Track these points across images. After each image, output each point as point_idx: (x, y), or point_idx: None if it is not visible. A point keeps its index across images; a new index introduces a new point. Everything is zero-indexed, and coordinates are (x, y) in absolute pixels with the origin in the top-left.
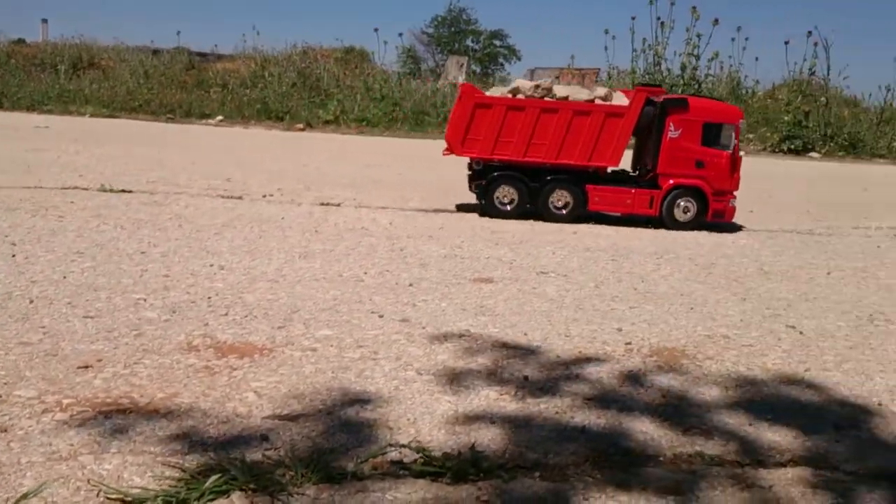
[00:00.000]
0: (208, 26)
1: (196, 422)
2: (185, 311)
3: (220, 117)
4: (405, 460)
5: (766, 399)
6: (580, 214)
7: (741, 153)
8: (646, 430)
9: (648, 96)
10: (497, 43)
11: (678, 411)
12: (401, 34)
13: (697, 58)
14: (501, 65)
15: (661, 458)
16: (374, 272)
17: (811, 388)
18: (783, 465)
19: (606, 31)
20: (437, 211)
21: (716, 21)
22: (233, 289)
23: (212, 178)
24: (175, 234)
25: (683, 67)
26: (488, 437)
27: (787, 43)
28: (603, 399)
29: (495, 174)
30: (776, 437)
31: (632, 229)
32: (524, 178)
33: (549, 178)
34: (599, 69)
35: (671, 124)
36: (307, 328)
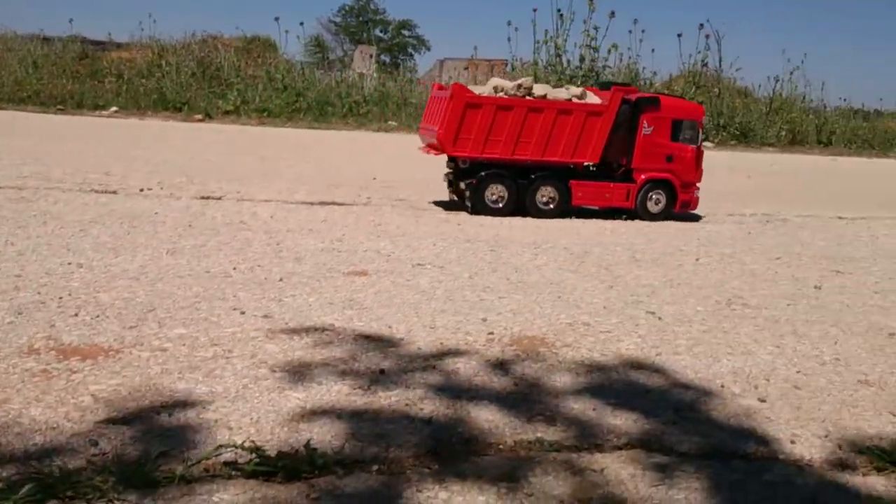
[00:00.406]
0: (103, 14)
1: (22, 429)
2: (33, 312)
3: (114, 108)
4: (239, 461)
5: (613, 384)
6: (564, 210)
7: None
8: (492, 418)
9: (623, 96)
10: (406, 33)
11: (527, 399)
12: (302, 23)
13: (596, 49)
14: (411, 55)
15: (501, 447)
16: (244, 267)
17: (659, 372)
18: (619, 448)
19: (509, 23)
20: (322, 204)
21: (612, 13)
22: (88, 288)
23: (90, 172)
24: (37, 232)
25: (582, 59)
26: (331, 433)
27: (679, 35)
28: (455, 389)
29: (484, 173)
30: (617, 421)
31: (515, 220)
32: (513, 176)
33: (534, 175)
34: (507, 60)
35: (645, 122)
36: (160, 327)
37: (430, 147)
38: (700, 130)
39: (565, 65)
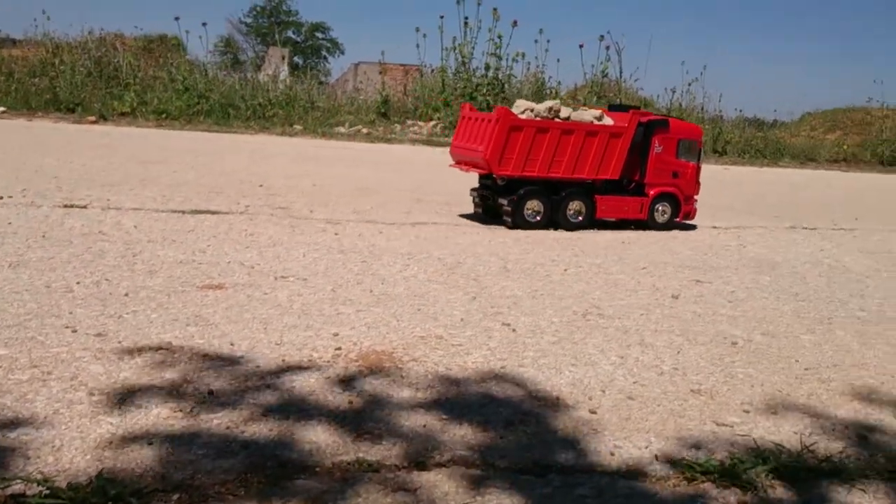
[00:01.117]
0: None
1: None
2: None
3: (1, 109)
4: (28, 493)
5: (450, 399)
6: (591, 222)
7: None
8: (317, 439)
9: (639, 119)
10: (319, 35)
11: (359, 417)
12: (205, 24)
13: (500, 58)
14: (325, 58)
15: (318, 469)
16: (89, 281)
17: (500, 384)
18: (441, 465)
19: (417, 30)
20: (195, 212)
21: (514, 23)
22: None
23: None
24: None
25: (487, 67)
26: (138, 461)
27: (581, 46)
28: (286, 409)
29: (523, 190)
30: (445, 437)
31: (394, 228)
32: (547, 193)
33: (564, 192)
34: (420, 66)
35: (656, 142)
36: None
37: (472, 165)
38: (700, 149)
39: (472, 72)
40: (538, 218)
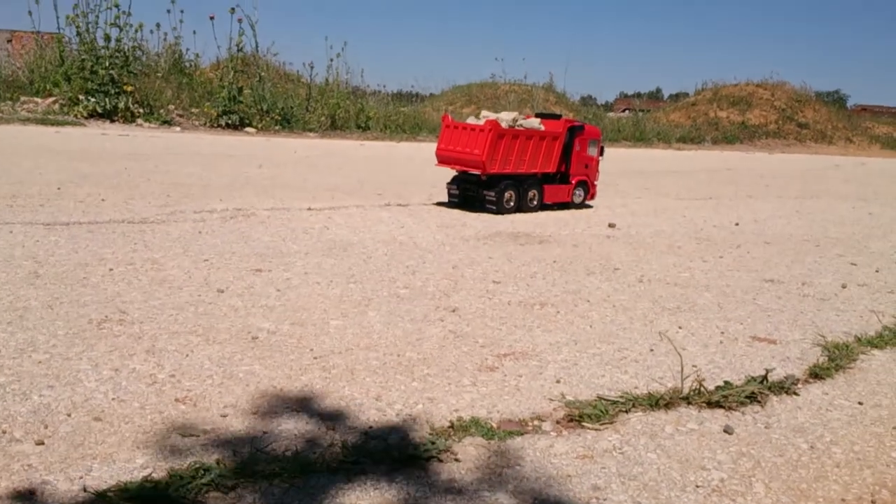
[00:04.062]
0: None
1: None
2: None
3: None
4: None
5: None
6: (541, 206)
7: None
8: None
9: (569, 125)
10: None
11: None
12: None
13: (121, 28)
14: None
15: None
16: None
17: None
18: None
19: None
20: None
21: None
22: None
23: None
24: None
25: (107, 39)
26: None
27: (212, 18)
28: None
29: (502, 184)
30: None
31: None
32: (516, 185)
33: (525, 183)
34: (37, 35)
35: (576, 142)
36: None
37: (463, 165)
38: (601, 146)
39: (102, 43)
40: (511, 204)
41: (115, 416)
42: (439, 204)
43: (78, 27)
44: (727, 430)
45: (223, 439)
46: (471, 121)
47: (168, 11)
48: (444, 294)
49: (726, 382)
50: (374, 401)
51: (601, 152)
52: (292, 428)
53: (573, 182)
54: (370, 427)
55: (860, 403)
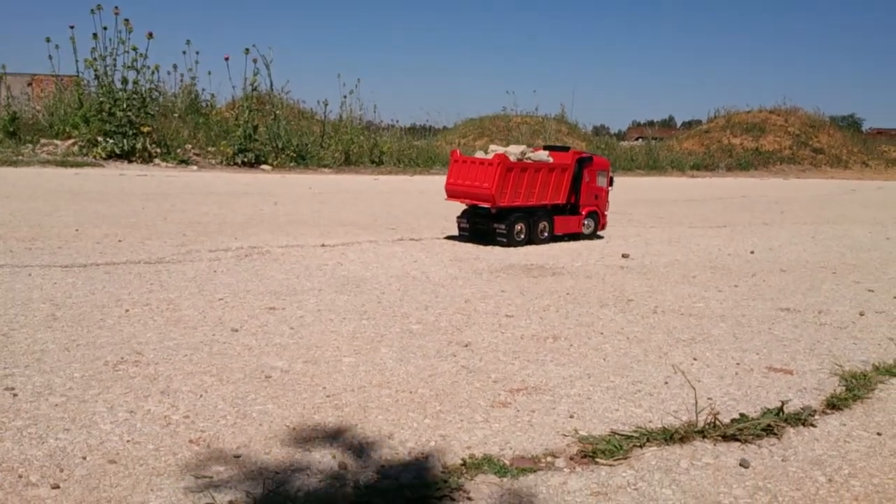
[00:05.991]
0: None
1: None
2: None
3: None
4: None
5: None
6: (552, 237)
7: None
8: None
9: (577, 156)
10: None
11: None
12: None
13: (138, 71)
14: None
15: None
16: None
17: None
18: None
19: (48, 40)
20: None
21: (150, 34)
22: None
23: None
24: None
25: (125, 81)
26: None
27: (227, 59)
28: None
29: (512, 216)
30: None
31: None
32: (527, 217)
33: (535, 215)
34: (56, 78)
35: (586, 173)
36: None
37: (473, 199)
38: (610, 176)
39: (119, 85)
40: (522, 237)
41: (129, 459)
42: (451, 238)
43: (96, 70)
44: (743, 464)
45: (236, 480)
46: (479, 155)
47: (184, 53)
48: (456, 329)
49: (742, 415)
50: (386, 439)
51: (611, 183)
52: (305, 467)
53: (583, 213)
54: (382, 466)
55: (879, 434)
